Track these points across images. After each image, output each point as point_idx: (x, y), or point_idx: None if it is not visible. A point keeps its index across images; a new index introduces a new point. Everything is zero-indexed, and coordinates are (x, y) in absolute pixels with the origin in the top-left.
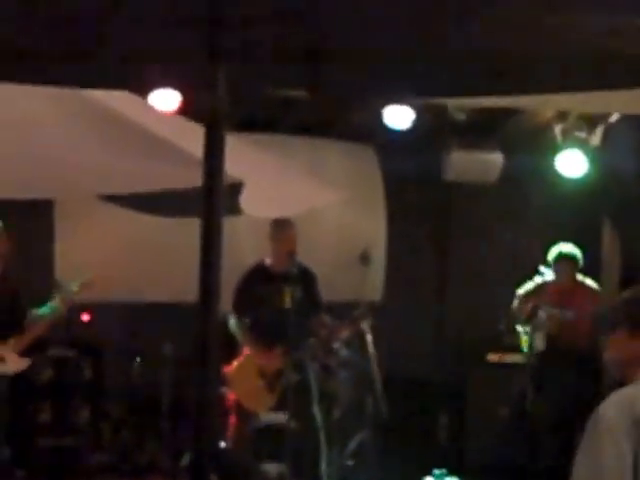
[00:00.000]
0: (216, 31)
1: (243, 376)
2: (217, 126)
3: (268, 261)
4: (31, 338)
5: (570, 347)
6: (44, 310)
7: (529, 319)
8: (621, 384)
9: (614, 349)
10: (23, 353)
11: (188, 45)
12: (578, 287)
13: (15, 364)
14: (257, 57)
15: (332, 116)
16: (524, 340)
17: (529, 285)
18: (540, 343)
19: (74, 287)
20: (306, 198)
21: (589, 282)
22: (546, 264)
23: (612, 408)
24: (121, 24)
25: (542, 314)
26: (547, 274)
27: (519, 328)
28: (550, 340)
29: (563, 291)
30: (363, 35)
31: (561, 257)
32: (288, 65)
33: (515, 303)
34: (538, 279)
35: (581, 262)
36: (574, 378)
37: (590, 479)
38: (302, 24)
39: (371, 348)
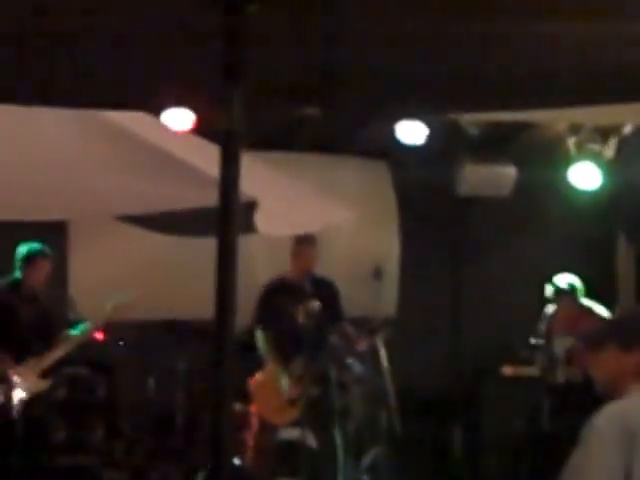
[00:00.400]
0: (231, 49)
1: (266, 389)
2: (233, 146)
3: (288, 275)
4: (52, 359)
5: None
6: (74, 332)
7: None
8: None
9: (603, 366)
10: (44, 374)
11: (202, 63)
12: (584, 315)
13: (34, 385)
14: (273, 76)
15: (345, 133)
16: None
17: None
18: (560, 376)
19: (108, 309)
20: (320, 216)
21: (596, 308)
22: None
23: (604, 419)
24: (136, 43)
25: (557, 342)
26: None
27: (532, 341)
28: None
29: (570, 320)
30: (377, 52)
31: (560, 292)
32: (303, 83)
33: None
34: (549, 309)
35: (580, 290)
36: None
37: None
38: (318, 41)
39: (385, 363)
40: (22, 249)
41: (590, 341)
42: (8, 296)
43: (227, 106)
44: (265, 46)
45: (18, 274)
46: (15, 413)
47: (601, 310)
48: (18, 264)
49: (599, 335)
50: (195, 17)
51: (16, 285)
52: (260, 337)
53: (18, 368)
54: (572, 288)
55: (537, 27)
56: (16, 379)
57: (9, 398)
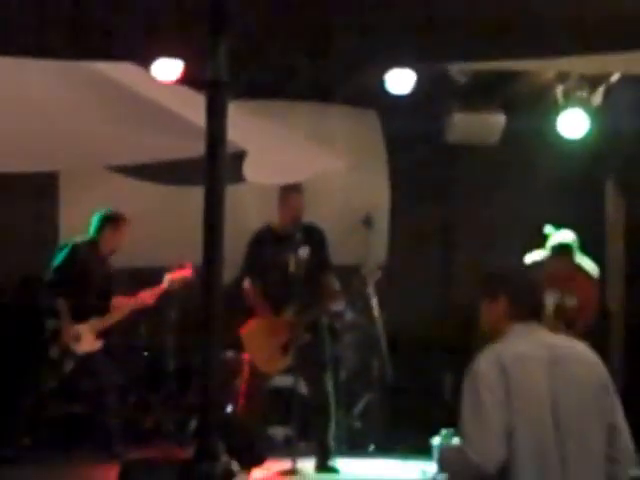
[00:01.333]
0: (218, 4)
1: (257, 338)
2: (219, 96)
3: (275, 224)
4: (112, 322)
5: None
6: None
7: None
8: None
9: (493, 315)
10: (100, 334)
11: (189, 14)
12: (577, 273)
13: (88, 345)
14: (260, 27)
15: (334, 81)
16: None
17: (531, 258)
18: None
19: (165, 281)
20: (309, 165)
21: (587, 265)
22: (550, 224)
23: (484, 363)
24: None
25: (548, 299)
26: (550, 230)
27: None
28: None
29: (561, 278)
30: (365, 5)
31: (558, 249)
32: (293, 35)
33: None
34: (536, 255)
35: (577, 249)
36: None
37: (475, 423)
38: None
39: (376, 311)
40: (103, 211)
41: (486, 292)
42: (87, 256)
43: (212, 56)
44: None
45: (95, 235)
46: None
47: (591, 266)
48: (98, 225)
49: (494, 287)
50: None
51: (93, 245)
52: (249, 285)
53: (79, 326)
54: (570, 248)
55: None
56: (76, 337)
57: (66, 354)
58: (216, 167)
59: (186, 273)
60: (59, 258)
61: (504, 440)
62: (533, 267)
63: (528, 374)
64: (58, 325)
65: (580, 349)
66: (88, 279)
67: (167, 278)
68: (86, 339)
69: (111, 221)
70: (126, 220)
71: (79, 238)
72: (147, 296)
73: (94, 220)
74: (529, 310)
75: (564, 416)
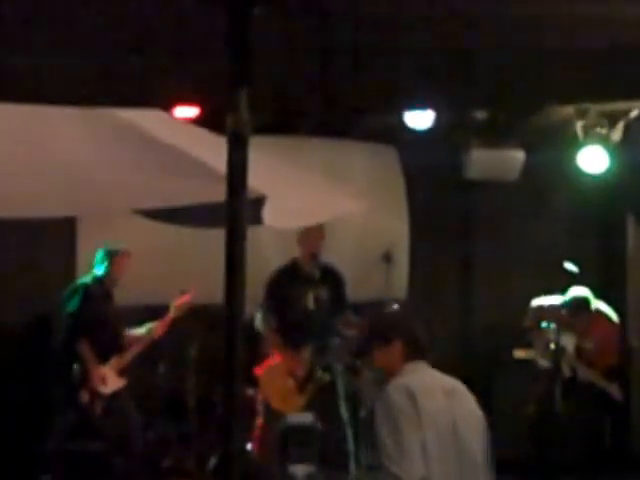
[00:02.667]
0: (236, 53)
1: (273, 377)
2: (239, 147)
3: (297, 261)
4: (130, 358)
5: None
6: (141, 331)
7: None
8: None
9: (389, 357)
10: (121, 373)
11: (209, 68)
12: (596, 319)
13: (114, 384)
14: (277, 81)
15: (353, 117)
16: (548, 344)
17: (545, 300)
18: (566, 369)
19: (171, 310)
20: (328, 208)
21: (604, 309)
22: (570, 261)
23: (395, 393)
24: (147, 44)
25: (569, 341)
26: (571, 268)
27: (544, 324)
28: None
29: (580, 327)
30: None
31: (574, 306)
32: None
33: (529, 313)
34: (553, 300)
35: (593, 302)
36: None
37: (400, 449)
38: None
39: None
40: (107, 247)
41: (380, 338)
42: (100, 296)
43: (233, 109)
44: (268, 48)
45: (102, 271)
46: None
47: (610, 312)
48: (104, 261)
49: (388, 331)
50: (200, 19)
51: (102, 283)
52: (259, 320)
53: (103, 367)
54: (587, 302)
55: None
56: (103, 379)
57: (95, 397)
58: (237, 216)
59: (187, 298)
60: (74, 302)
61: (422, 459)
62: (557, 306)
63: (433, 400)
64: (83, 369)
65: (461, 385)
66: (105, 318)
67: (172, 307)
68: (111, 379)
69: (115, 256)
70: (129, 254)
71: (87, 278)
72: (158, 327)
73: (98, 256)
74: (419, 350)
75: (462, 438)
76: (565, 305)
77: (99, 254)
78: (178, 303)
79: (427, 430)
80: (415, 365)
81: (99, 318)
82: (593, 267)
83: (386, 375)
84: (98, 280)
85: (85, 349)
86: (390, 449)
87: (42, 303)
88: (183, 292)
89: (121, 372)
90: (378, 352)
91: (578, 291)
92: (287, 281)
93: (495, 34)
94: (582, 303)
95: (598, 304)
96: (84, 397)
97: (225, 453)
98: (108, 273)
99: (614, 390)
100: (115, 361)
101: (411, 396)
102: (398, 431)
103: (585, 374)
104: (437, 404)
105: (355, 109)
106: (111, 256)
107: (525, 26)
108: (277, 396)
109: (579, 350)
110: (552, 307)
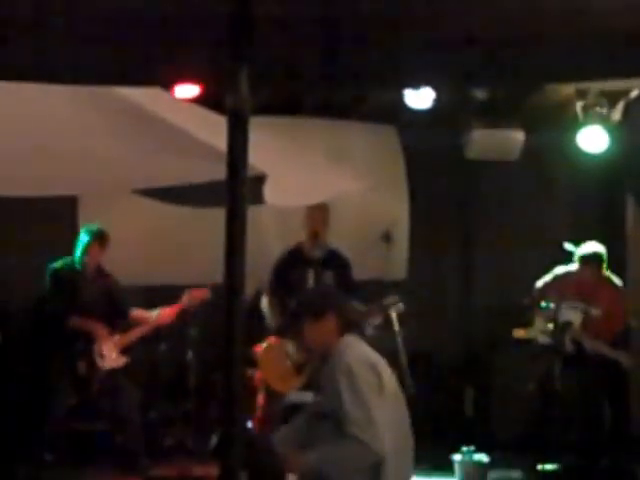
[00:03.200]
0: (237, 30)
1: (272, 357)
2: (240, 126)
3: (303, 245)
4: (136, 337)
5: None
6: (152, 313)
7: (552, 320)
8: None
9: (322, 331)
10: (123, 351)
11: (210, 45)
12: (603, 284)
13: (113, 361)
14: (278, 57)
15: (352, 97)
16: (547, 323)
17: (548, 277)
18: (569, 345)
19: (184, 300)
20: (329, 186)
21: (614, 278)
22: (570, 241)
23: (356, 364)
24: (147, 23)
25: (565, 313)
26: (571, 248)
27: (543, 304)
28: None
29: (588, 287)
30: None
31: (587, 258)
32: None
33: (534, 292)
34: (559, 270)
35: (606, 260)
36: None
37: (366, 418)
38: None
39: (396, 326)
40: (83, 229)
41: (311, 312)
42: (70, 276)
43: (233, 87)
44: (269, 25)
45: (80, 252)
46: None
47: (618, 281)
48: (84, 242)
49: (320, 306)
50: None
51: (71, 266)
52: (265, 303)
53: (104, 343)
54: (600, 256)
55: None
56: (101, 353)
57: (92, 371)
58: (237, 196)
59: (203, 293)
60: (47, 285)
61: (385, 427)
62: (561, 275)
63: (386, 371)
64: (84, 345)
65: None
66: (77, 297)
67: (185, 297)
68: (110, 356)
69: (92, 239)
70: (107, 237)
71: (58, 262)
72: (167, 314)
73: (80, 237)
74: (350, 324)
75: (401, 405)
76: (579, 256)
77: (81, 234)
78: (193, 295)
79: (386, 399)
80: (351, 338)
81: (76, 301)
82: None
83: (320, 352)
84: (69, 262)
85: (77, 322)
86: (359, 420)
87: (44, 282)
88: (200, 286)
89: (123, 351)
90: (310, 328)
91: (593, 245)
92: (294, 264)
93: (496, 12)
94: (595, 255)
95: (607, 270)
96: (81, 368)
97: (226, 432)
98: (82, 256)
99: (623, 358)
100: (117, 339)
101: (373, 367)
102: (365, 402)
103: (592, 346)
104: (388, 374)
105: (357, 86)
106: (88, 239)
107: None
108: (276, 376)
109: (585, 321)
110: (556, 276)
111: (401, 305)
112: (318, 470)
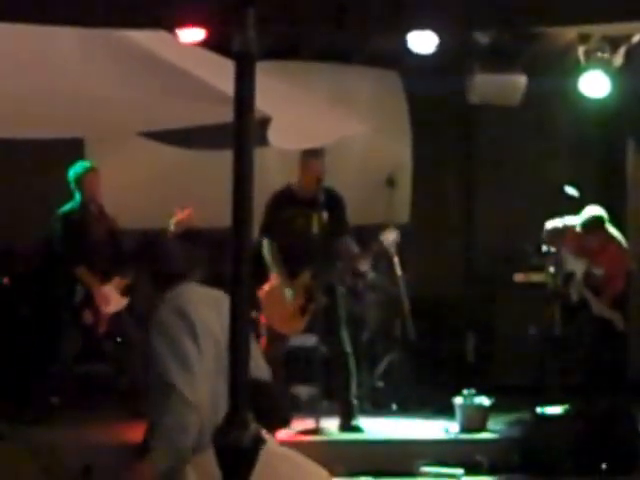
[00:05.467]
0: None
1: (274, 300)
2: (247, 68)
3: (295, 186)
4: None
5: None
6: None
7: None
8: None
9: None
10: (124, 292)
11: None
12: (607, 246)
13: (116, 303)
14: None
15: (357, 41)
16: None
17: (557, 223)
18: (575, 294)
19: (170, 226)
20: (332, 129)
21: (615, 233)
22: (572, 185)
23: (166, 314)
24: None
25: (570, 262)
26: (571, 192)
27: (545, 248)
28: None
29: (591, 250)
30: None
31: (589, 225)
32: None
33: (544, 236)
34: (569, 221)
35: (607, 220)
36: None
37: (184, 370)
38: None
39: (399, 270)
40: (71, 170)
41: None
42: (81, 219)
43: (241, 28)
44: None
45: (78, 193)
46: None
47: (620, 237)
48: (73, 185)
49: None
50: None
51: (81, 206)
52: (266, 247)
53: (105, 287)
54: (602, 221)
55: None
56: (106, 299)
57: (98, 317)
58: (244, 138)
59: (187, 215)
60: (57, 231)
61: (202, 371)
62: (570, 228)
63: (204, 316)
64: (86, 291)
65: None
66: (93, 241)
67: (172, 222)
68: (113, 299)
69: (83, 176)
70: (96, 171)
71: (67, 205)
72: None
73: (70, 176)
74: (179, 275)
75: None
76: (581, 224)
77: (70, 173)
78: (178, 219)
79: (203, 350)
80: (184, 286)
81: (85, 243)
82: (593, 191)
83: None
84: (76, 205)
85: (83, 273)
86: (178, 376)
87: (50, 226)
88: (182, 208)
89: (124, 292)
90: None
91: (593, 210)
92: (285, 204)
93: None
94: (597, 221)
95: (609, 228)
96: (87, 318)
97: (230, 375)
98: (81, 193)
99: (617, 320)
100: (117, 280)
101: (183, 314)
102: (182, 355)
103: (592, 300)
104: (208, 314)
105: (360, 28)
106: (78, 178)
107: None
108: (278, 318)
109: (587, 277)
110: (565, 228)
111: (396, 234)
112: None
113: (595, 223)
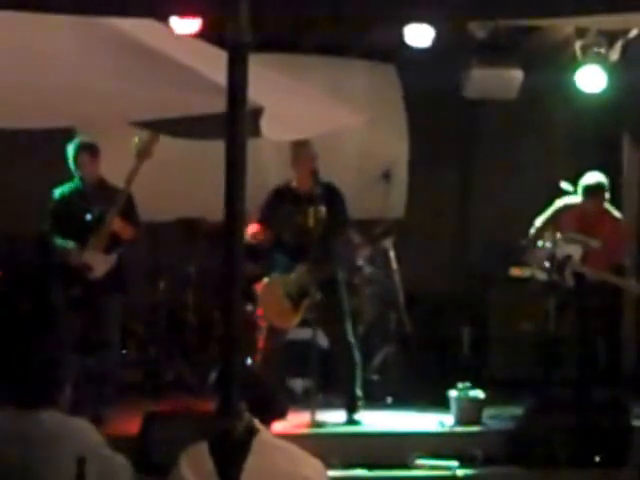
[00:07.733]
0: None
1: (270, 294)
2: (240, 57)
3: (294, 183)
4: (108, 232)
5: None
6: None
7: (550, 258)
8: None
9: None
10: (107, 249)
11: None
12: (604, 216)
13: (103, 265)
14: None
15: (353, 35)
16: (545, 260)
17: (548, 212)
18: (569, 279)
19: (145, 137)
20: (326, 120)
21: (614, 211)
22: (567, 180)
23: None
24: None
25: (565, 248)
26: (568, 188)
27: (540, 243)
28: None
29: (589, 218)
30: None
31: (591, 189)
32: None
33: (532, 231)
34: (559, 202)
35: (608, 191)
36: (597, 302)
37: None
38: None
39: (394, 264)
40: (68, 147)
41: None
42: (71, 198)
43: (234, 17)
44: None
45: (74, 168)
46: None
47: (618, 214)
48: (74, 156)
49: None
50: None
51: (76, 184)
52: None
53: (87, 253)
54: (603, 187)
55: None
56: (87, 265)
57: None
58: (237, 129)
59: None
60: (47, 212)
61: None
62: (561, 208)
63: None
64: (68, 261)
65: None
66: (74, 212)
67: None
68: (97, 262)
69: (82, 148)
70: (97, 147)
71: (60, 188)
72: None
73: (67, 154)
74: None
75: None
76: (582, 187)
77: (69, 149)
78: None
79: None
80: None
81: (77, 222)
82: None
83: None
84: (74, 184)
85: (59, 244)
86: None
87: (45, 215)
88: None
89: (107, 249)
90: None
91: (595, 175)
92: (285, 200)
93: None
94: (598, 184)
95: (610, 208)
96: (76, 292)
97: (225, 368)
98: (76, 171)
99: (629, 285)
100: (94, 240)
101: None
102: None
103: (596, 275)
104: None
105: (357, 21)
106: (72, 155)
107: None
108: (275, 312)
109: (585, 254)
110: (559, 210)
111: (394, 235)
112: None
113: (597, 187)
